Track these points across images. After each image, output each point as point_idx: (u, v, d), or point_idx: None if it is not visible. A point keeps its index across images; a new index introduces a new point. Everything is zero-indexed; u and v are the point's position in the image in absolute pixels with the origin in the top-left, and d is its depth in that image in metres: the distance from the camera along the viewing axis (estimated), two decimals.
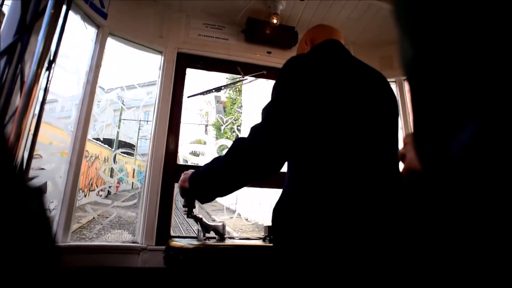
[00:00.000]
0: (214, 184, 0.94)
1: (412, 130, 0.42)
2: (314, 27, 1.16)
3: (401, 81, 1.86)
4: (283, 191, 0.90)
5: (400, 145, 0.86)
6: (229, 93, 14.01)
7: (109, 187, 2.05)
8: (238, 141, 0.89)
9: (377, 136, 0.90)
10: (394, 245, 0.78)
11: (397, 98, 1.04)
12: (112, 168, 1.81)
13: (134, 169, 1.73)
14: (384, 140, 0.92)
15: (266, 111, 0.87)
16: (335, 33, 1.09)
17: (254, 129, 0.86)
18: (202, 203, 1.05)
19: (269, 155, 0.85)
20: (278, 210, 0.87)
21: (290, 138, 0.84)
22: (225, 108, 14.66)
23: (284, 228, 0.84)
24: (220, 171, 0.89)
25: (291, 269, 0.79)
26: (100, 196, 1.65)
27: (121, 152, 1.78)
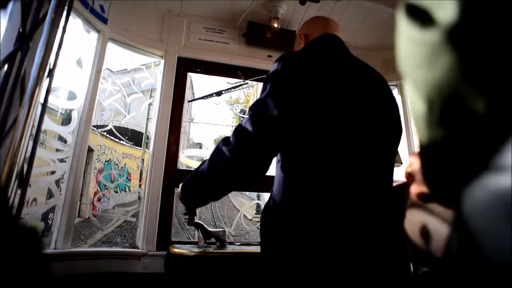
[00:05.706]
0: (201, 191, 0.91)
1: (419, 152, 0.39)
2: (309, 20, 1.07)
3: (403, 85, 1.85)
4: (271, 195, 0.86)
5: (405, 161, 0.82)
6: None
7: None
8: (222, 144, 0.83)
9: (372, 138, 0.84)
10: (380, 253, 0.78)
11: (397, 100, 1.00)
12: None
13: (141, 169, 1.67)
14: (380, 143, 0.86)
15: (253, 110, 0.80)
16: (331, 26, 1.02)
17: (239, 130, 0.80)
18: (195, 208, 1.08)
19: (253, 159, 0.80)
20: (267, 215, 0.84)
21: (277, 141, 0.79)
22: None
23: (273, 233, 0.81)
24: (205, 177, 0.87)
25: (279, 274, 0.78)
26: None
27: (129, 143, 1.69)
